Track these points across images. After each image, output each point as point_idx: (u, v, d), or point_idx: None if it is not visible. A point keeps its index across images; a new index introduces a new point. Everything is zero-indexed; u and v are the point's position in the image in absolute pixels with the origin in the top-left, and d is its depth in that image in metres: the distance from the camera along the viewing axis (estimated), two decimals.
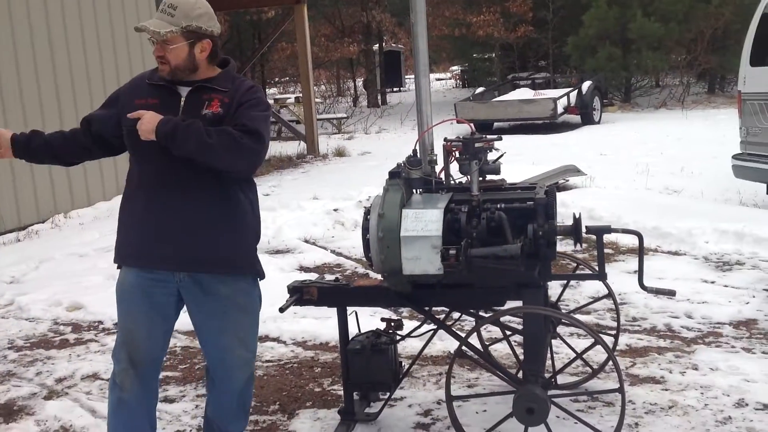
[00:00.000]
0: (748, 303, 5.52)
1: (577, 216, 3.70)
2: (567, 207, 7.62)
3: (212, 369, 3.38)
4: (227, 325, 3.27)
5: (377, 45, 32.63)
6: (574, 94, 18.84)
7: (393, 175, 3.75)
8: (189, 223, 3.14)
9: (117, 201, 10.27)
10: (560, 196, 8.24)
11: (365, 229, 3.71)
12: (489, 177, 3.85)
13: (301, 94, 18.55)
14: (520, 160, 11.31)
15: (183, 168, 3.09)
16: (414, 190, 3.82)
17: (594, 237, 3.78)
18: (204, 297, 3.22)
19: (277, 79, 40.12)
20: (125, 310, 3.26)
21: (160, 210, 3.14)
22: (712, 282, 6.06)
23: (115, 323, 5.78)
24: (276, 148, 15.87)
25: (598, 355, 4.56)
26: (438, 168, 3.94)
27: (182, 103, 3.15)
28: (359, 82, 36.32)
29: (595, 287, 5.80)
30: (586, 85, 19.17)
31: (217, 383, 3.39)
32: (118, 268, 3.36)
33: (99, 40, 11.01)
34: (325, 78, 37.85)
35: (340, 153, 15.61)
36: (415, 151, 3.91)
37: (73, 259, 7.78)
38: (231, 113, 3.14)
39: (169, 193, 3.13)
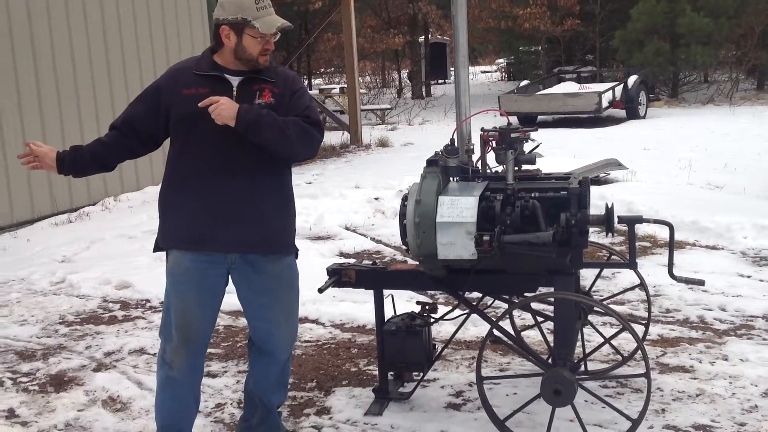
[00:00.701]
0: None
1: (610, 206, 3.79)
2: (606, 200, 7.63)
3: (260, 343, 3.55)
4: (276, 301, 3.47)
5: (423, 37, 32.69)
6: (619, 89, 18.72)
7: (430, 163, 3.89)
8: (250, 207, 3.32)
9: None
10: (600, 190, 8.32)
11: (402, 215, 3.85)
12: (524, 167, 3.96)
13: (345, 85, 18.70)
14: (561, 153, 11.33)
15: (242, 154, 3.27)
16: (450, 178, 3.94)
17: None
18: (255, 276, 3.40)
19: (322, 70, 40.34)
20: (180, 291, 3.38)
21: (219, 195, 3.29)
22: (748, 276, 6.09)
23: (161, 302, 6.06)
24: None
25: (629, 344, 4.65)
26: (475, 157, 4.06)
27: (234, 92, 3.30)
28: (404, 73, 36.42)
29: (630, 279, 5.87)
30: (632, 79, 19.03)
31: (265, 356, 3.56)
32: (161, 251, 3.49)
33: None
34: (371, 69, 38.01)
35: (382, 143, 15.74)
36: (452, 140, 4.04)
37: (122, 240, 8.04)
38: (285, 103, 3.32)
39: (229, 178, 3.29)
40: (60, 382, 4.70)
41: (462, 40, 4.23)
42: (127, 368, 4.87)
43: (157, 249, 3.53)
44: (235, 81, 3.33)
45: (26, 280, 6.86)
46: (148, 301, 6.19)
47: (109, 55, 10.60)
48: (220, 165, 3.29)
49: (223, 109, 3.14)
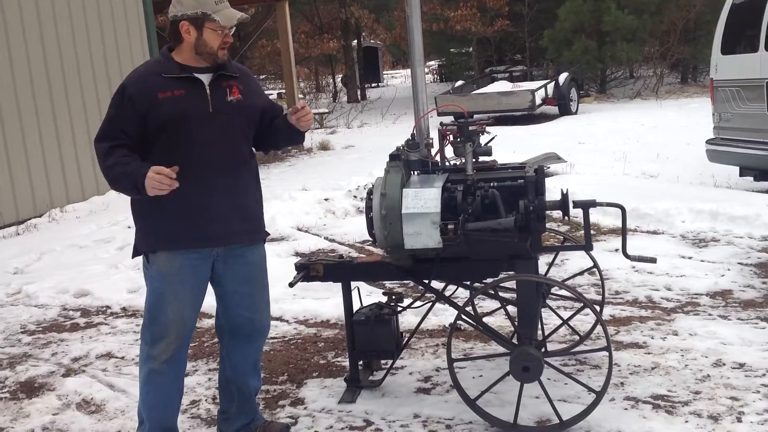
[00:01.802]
0: (723, 275, 5.87)
1: (565, 192, 4.01)
2: (549, 192, 7.90)
3: (239, 330, 3.66)
4: (257, 287, 3.64)
5: (356, 41, 32.89)
6: (551, 86, 19.22)
7: (393, 157, 4.05)
8: (237, 200, 3.48)
9: (111, 195, 10.61)
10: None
11: (368, 208, 4.01)
12: (481, 158, 4.16)
13: (283, 90, 18.75)
14: (500, 149, 11.60)
15: (225, 152, 3.42)
16: (412, 172, 4.11)
17: (579, 214, 4.09)
18: (238, 266, 3.55)
19: (256, 76, 40.19)
20: (174, 290, 3.44)
21: (211, 192, 3.40)
22: (690, 258, 6.41)
23: (122, 308, 6.11)
24: None
25: (584, 324, 4.88)
26: (434, 151, 4.24)
27: (208, 91, 3.41)
28: (338, 78, 36.55)
29: (579, 265, 6.11)
30: (562, 77, 19.55)
31: (242, 342, 3.68)
32: (142, 254, 3.52)
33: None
34: (304, 75, 38.03)
35: (324, 147, 15.86)
36: (413, 135, 4.22)
37: (74, 250, 8.01)
38: (249, 97, 3.51)
39: (216, 176, 3.40)
40: (31, 389, 4.72)
41: (417, 39, 4.40)
42: (97, 372, 4.91)
43: (138, 254, 3.54)
44: (205, 79, 3.43)
45: None
46: (108, 307, 6.20)
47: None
48: (207, 163, 3.39)
49: (311, 116, 3.52)
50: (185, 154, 3.36)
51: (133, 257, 3.61)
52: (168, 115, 3.33)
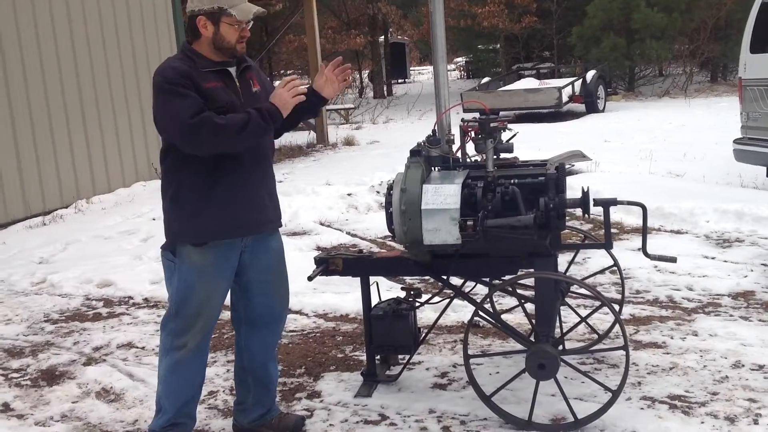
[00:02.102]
0: (746, 276, 5.82)
1: (586, 190, 3.99)
2: (573, 190, 7.87)
3: (259, 318, 3.69)
4: (279, 275, 3.71)
5: (383, 37, 32.90)
6: (578, 84, 19.10)
7: (414, 153, 4.05)
8: (269, 190, 3.61)
9: (136, 187, 10.74)
10: (567, 181, 8.54)
11: (388, 203, 4.02)
12: (503, 155, 4.15)
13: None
14: (525, 147, 11.55)
15: (262, 142, 3.51)
16: (433, 168, 4.11)
17: (601, 213, 4.07)
18: (262, 253, 3.61)
19: (282, 71, 40.36)
20: (206, 281, 3.46)
21: (253, 181, 3.49)
22: (713, 258, 6.36)
23: (144, 299, 6.18)
24: (286, 138, 16.12)
25: (603, 323, 4.86)
26: (455, 147, 4.24)
27: (237, 83, 3.47)
28: (365, 73, 36.59)
29: (600, 263, 6.09)
30: (590, 74, 19.43)
31: (262, 329, 3.71)
32: (196, 244, 3.46)
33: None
34: None
35: (349, 142, 15.89)
36: (434, 131, 4.22)
37: (99, 241, 8.09)
38: (265, 90, 3.57)
39: (257, 164, 3.51)
40: (52, 377, 4.78)
41: (440, 35, 4.41)
42: (117, 361, 4.97)
43: (173, 245, 3.51)
44: (233, 72, 3.49)
45: (6, 281, 6.90)
46: (131, 298, 6.27)
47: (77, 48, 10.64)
48: (250, 153, 3.47)
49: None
50: None
51: (168, 249, 3.54)
52: (218, 105, 3.34)
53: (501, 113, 19.24)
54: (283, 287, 3.76)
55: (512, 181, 3.92)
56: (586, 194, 3.95)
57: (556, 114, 18.82)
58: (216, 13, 3.37)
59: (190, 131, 3.24)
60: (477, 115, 4.24)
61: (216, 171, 3.40)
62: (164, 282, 3.67)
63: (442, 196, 3.84)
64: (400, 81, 38.43)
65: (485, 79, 22.84)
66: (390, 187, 4.05)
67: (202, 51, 3.44)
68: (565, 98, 18.33)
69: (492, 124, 4.03)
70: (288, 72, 40.40)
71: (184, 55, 3.44)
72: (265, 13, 3.53)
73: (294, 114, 3.51)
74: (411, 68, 41.70)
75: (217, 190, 3.40)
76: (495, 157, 4.05)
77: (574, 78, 19.65)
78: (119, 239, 8.08)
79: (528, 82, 20.45)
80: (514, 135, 4.27)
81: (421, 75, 44.09)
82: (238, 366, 3.85)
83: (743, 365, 4.30)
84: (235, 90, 3.45)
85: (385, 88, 31.39)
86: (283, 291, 3.77)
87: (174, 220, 3.49)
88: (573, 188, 7.95)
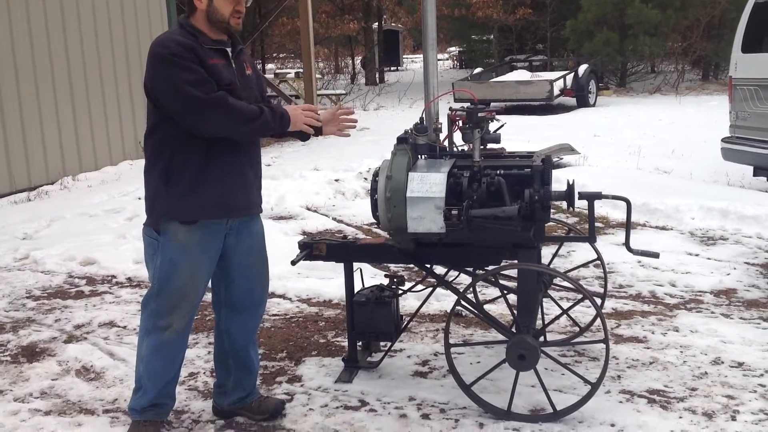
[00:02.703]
0: (729, 274, 5.85)
1: (571, 182, 3.99)
2: (561, 183, 7.88)
3: (241, 301, 3.68)
4: (260, 259, 3.71)
5: (376, 23, 32.80)
6: (570, 77, 19.13)
7: (401, 140, 4.04)
8: (256, 173, 3.61)
9: (123, 166, 10.67)
10: (554, 174, 8.54)
11: (373, 190, 4.00)
12: (489, 145, 4.15)
13: (301, 70, 18.73)
14: (515, 139, 11.58)
15: None
16: (419, 156, 4.10)
17: (585, 207, 4.08)
18: (247, 237, 3.61)
19: (275, 54, 40.24)
20: (192, 261, 3.44)
21: (244, 162, 3.49)
22: (696, 255, 6.38)
23: (128, 278, 6.15)
24: None
25: (586, 316, 4.88)
26: (442, 136, 4.23)
27: (233, 64, 3.45)
28: (357, 60, 36.50)
29: (585, 257, 6.10)
30: (582, 68, 19.44)
31: (243, 313, 3.71)
32: (185, 222, 3.43)
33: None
34: (323, 55, 38.00)
35: None
36: (421, 119, 4.21)
37: (84, 219, 8.06)
38: (257, 77, 3.59)
39: (251, 147, 3.53)
40: (32, 353, 4.76)
41: (431, 23, 4.38)
42: (98, 340, 4.95)
43: (159, 223, 3.46)
44: (229, 51, 3.47)
45: None
46: (114, 276, 6.25)
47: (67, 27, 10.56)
48: None
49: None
50: None
51: (152, 226, 3.49)
52: (223, 82, 3.32)
53: (492, 104, 19.38)
54: (264, 271, 3.76)
55: (498, 171, 3.92)
56: (571, 187, 3.96)
57: (546, 107, 18.84)
58: None
59: (205, 107, 3.22)
60: (467, 104, 4.23)
61: (211, 149, 3.38)
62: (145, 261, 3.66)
63: (428, 184, 3.83)
64: (392, 68, 38.35)
65: (477, 70, 22.84)
66: (376, 174, 4.03)
67: (200, 27, 3.40)
68: (556, 91, 18.36)
69: (480, 114, 4.03)
70: (281, 55, 40.38)
71: (185, 30, 3.39)
72: None
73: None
74: (404, 56, 41.61)
75: (211, 168, 3.38)
76: (482, 147, 4.05)
77: (566, 71, 19.67)
78: (104, 217, 8.04)
79: (520, 74, 20.47)
80: (502, 126, 4.27)
81: (414, 63, 43.96)
82: (218, 349, 3.84)
83: (723, 362, 4.32)
84: (232, 70, 3.43)
85: (377, 75, 31.31)
86: (264, 275, 3.76)
87: (162, 197, 3.41)
88: (560, 181, 7.99)
